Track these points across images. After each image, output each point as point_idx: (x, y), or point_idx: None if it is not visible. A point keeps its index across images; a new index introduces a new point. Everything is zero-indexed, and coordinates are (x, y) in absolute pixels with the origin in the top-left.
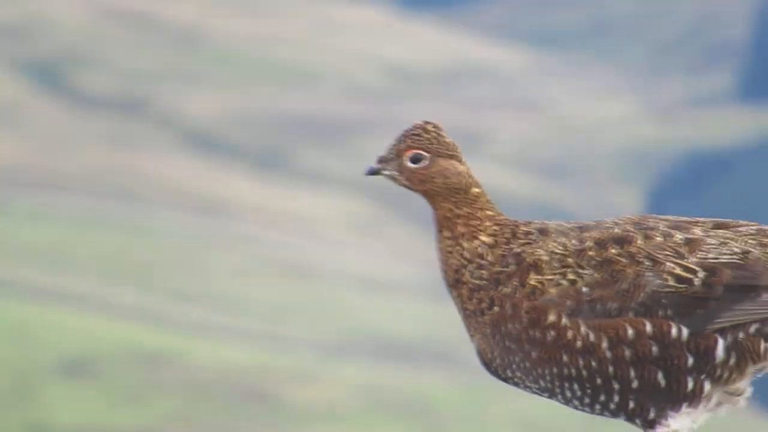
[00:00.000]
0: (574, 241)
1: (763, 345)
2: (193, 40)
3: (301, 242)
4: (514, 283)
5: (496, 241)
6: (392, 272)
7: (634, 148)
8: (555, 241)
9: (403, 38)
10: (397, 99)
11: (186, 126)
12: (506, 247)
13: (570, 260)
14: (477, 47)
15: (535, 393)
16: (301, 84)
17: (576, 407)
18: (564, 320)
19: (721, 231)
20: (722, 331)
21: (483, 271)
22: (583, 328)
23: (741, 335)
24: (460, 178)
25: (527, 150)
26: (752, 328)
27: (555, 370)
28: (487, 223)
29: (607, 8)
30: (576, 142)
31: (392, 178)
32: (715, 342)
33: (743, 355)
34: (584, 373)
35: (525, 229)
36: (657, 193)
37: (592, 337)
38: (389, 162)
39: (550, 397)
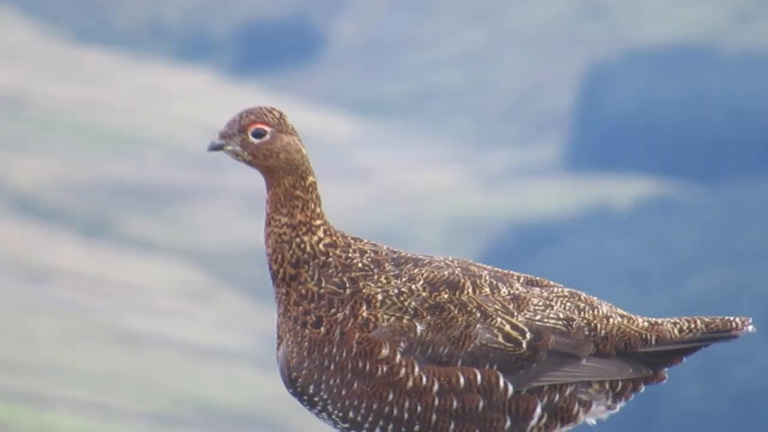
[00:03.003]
0: (405, 280)
1: (576, 407)
2: (18, 105)
3: (128, 310)
4: (346, 311)
5: (335, 242)
6: (222, 341)
7: (460, 217)
8: (390, 280)
9: (229, 104)
10: (223, 166)
11: (11, 191)
12: (345, 256)
13: (406, 303)
14: (303, 114)
15: (330, 420)
16: (128, 150)
17: None
18: (398, 357)
19: (537, 289)
20: (540, 393)
21: (323, 273)
22: (417, 369)
23: (557, 397)
24: (302, 157)
25: (352, 218)
26: (568, 391)
27: (375, 405)
28: (319, 222)
29: (433, 77)
30: (401, 211)
31: (234, 153)
32: (534, 406)
33: (555, 417)
34: (406, 415)
35: (358, 246)
36: (485, 263)
37: (424, 379)
38: (232, 137)
39: (348, 429)
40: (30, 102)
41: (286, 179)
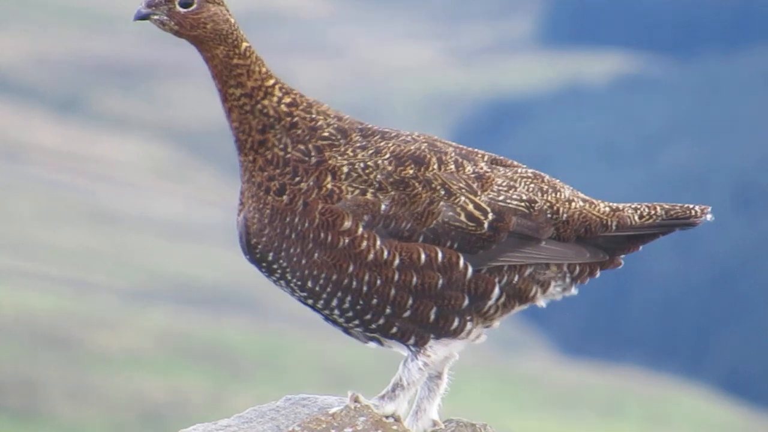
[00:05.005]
0: (372, 153)
1: (534, 288)
2: None
3: (103, 187)
4: (310, 182)
5: (295, 100)
6: (196, 217)
7: (436, 93)
8: (357, 153)
9: None
10: None
11: None
12: (309, 117)
13: (371, 177)
14: None
15: (288, 288)
16: (102, 27)
17: (329, 317)
18: (360, 229)
19: (501, 168)
20: (499, 273)
21: (290, 136)
22: (378, 242)
23: (516, 278)
24: (230, 27)
25: (328, 95)
26: (527, 272)
27: (334, 276)
28: (271, 81)
29: None
30: (378, 87)
31: (161, 23)
32: (493, 286)
33: (513, 297)
34: (365, 288)
35: (320, 108)
36: (458, 139)
37: (386, 253)
38: (159, 6)
39: (306, 298)
40: None
41: (218, 50)
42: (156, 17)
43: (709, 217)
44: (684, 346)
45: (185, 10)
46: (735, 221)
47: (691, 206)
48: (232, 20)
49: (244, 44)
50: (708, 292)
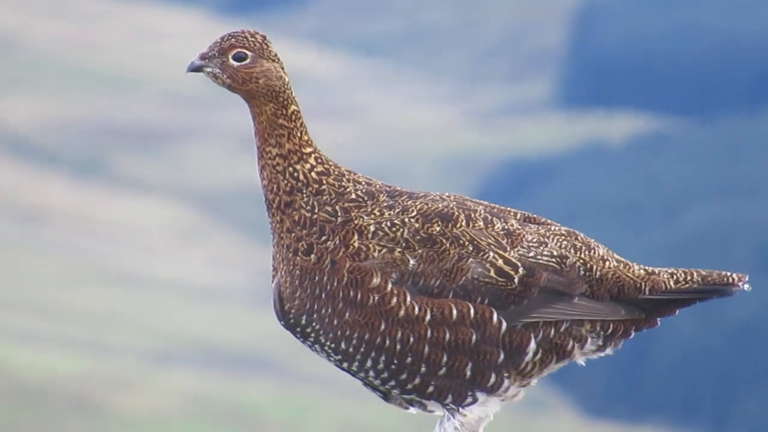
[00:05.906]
0: (399, 212)
1: (571, 343)
2: (10, 45)
3: (123, 250)
4: (337, 240)
5: (327, 170)
6: (216, 280)
7: (454, 156)
8: (383, 212)
9: None
10: (215, 106)
11: (4, 132)
12: (338, 185)
13: (398, 234)
14: (294, 54)
15: (323, 352)
16: (120, 91)
17: (365, 378)
18: (390, 286)
19: (533, 226)
20: (535, 328)
21: (317, 200)
22: (409, 298)
23: (552, 333)
24: (283, 85)
25: (345, 158)
26: (563, 327)
27: (367, 335)
28: (309, 149)
29: (424, 15)
30: (395, 150)
31: (214, 75)
32: (528, 341)
33: (550, 353)
34: (398, 347)
35: (352, 177)
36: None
37: (416, 309)
38: (212, 59)
39: (341, 361)
40: (21, 42)
41: (267, 107)
42: (209, 70)
43: (746, 286)
44: (707, 408)
45: (238, 63)
46: (758, 282)
47: (728, 273)
48: (286, 79)
49: (293, 107)
50: (731, 354)
